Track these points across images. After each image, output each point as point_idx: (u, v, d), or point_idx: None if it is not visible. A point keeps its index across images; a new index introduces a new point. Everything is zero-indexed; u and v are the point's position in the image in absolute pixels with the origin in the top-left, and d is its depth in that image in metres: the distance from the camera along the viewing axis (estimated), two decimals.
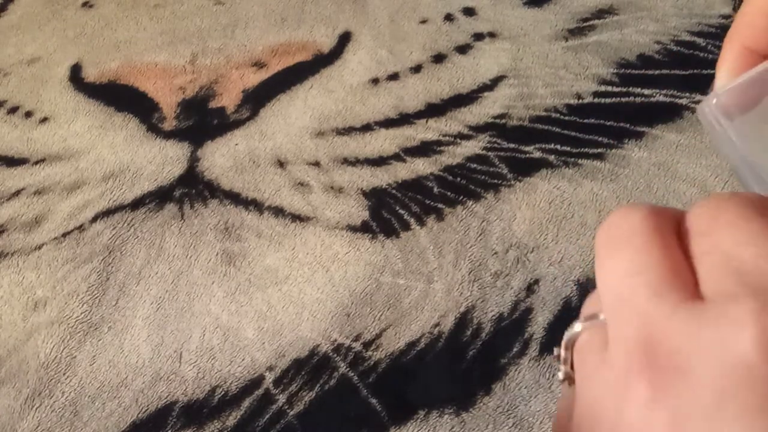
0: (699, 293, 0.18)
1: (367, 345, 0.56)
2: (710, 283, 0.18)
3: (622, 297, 0.18)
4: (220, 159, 0.67)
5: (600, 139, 0.65)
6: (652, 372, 0.17)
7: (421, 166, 0.65)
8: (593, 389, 0.19)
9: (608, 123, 0.66)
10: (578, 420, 0.20)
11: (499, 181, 0.64)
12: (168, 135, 0.69)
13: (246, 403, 0.54)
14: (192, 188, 0.66)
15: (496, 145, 0.66)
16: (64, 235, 0.64)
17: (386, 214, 0.62)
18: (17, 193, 0.68)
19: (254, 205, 0.64)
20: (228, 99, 0.72)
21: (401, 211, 0.62)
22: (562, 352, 0.21)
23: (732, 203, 0.19)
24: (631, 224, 0.19)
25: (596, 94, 0.68)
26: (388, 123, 0.68)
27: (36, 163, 0.70)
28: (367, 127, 0.68)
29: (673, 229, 0.19)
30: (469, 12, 0.78)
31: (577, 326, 0.21)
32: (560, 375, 0.21)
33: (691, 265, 0.18)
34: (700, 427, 0.16)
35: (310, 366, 0.55)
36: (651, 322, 0.18)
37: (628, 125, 0.65)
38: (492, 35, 0.75)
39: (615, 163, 0.63)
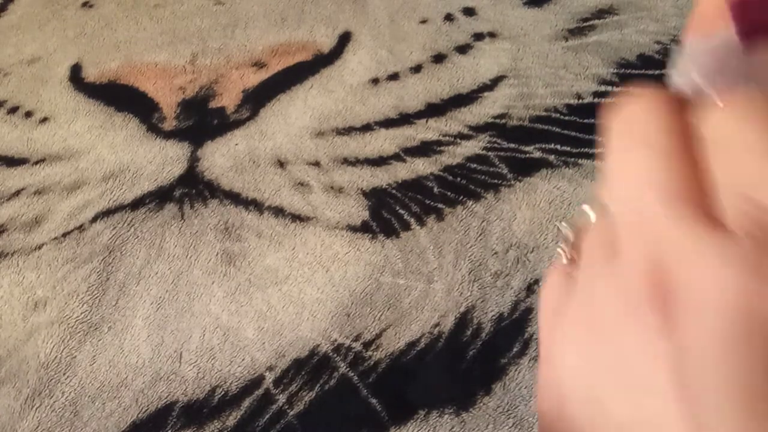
0: (718, 219, 0.16)
1: (367, 345, 0.56)
2: (736, 218, 0.16)
3: (636, 207, 0.17)
4: (220, 159, 0.67)
5: (600, 139, 0.65)
6: (664, 303, 0.16)
7: (421, 166, 0.65)
8: (596, 289, 0.18)
9: None
10: (576, 313, 0.18)
11: (499, 181, 0.64)
12: (168, 135, 0.69)
13: (246, 403, 0.54)
14: (192, 188, 0.66)
15: (496, 145, 0.66)
16: (64, 235, 0.64)
17: (386, 214, 0.62)
18: (17, 193, 0.68)
19: (254, 205, 0.64)
20: (228, 99, 0.72)
21: (401, 211, 0.62)
22: (571, 236, 0.20)
23: (756, 117, 0.16)
24: (655, 120, 0.17)
25: (596, 94, 0.68)
26: (388, 123, 0.68)
27: (36, 163, 0.70)
28: (367, 127, 0.68)
29: (691, 132, 0.17)
30: (469, 12, 0.78)
31: (590, 213, 0.19)
32: (564, 258, 0.20)
33: (708, 179, 0.17)
34: (702, 368, 0.15)
35: (310, 366, 0.55)
36: (667, 245, 0.16)
37: None
38: (492, 35, 0.75)
39: None
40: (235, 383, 0.55)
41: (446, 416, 0.52)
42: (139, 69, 0.76)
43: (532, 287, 0.57)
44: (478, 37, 0.75)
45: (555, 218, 0.61)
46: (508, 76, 0.71)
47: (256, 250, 0.61)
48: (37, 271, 0.62)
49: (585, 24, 0.75)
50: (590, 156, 0.64)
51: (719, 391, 0.15)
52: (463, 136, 0.67)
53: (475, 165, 0.65)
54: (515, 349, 0.55)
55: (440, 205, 0.62)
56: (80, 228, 0.64)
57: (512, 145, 0.66)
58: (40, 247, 0.64)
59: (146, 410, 0.55)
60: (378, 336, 0.56)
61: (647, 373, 0.16)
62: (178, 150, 0.68)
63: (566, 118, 0.67)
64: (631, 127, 0.18)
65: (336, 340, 0.56)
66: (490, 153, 0.66)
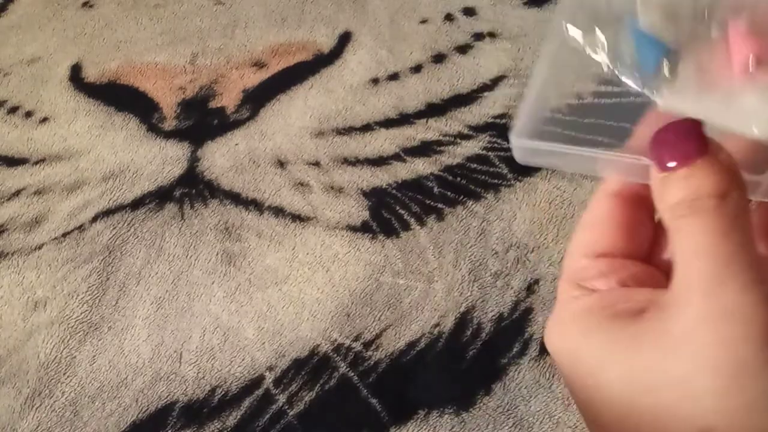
0: None
1: (367, 345, 0.56)
2: None
3: None
4: (220, 159, 0.67)
5: (601, 139, 0.65)
6: None
7: (421, 166, 0.65)
8: None
9: (608, 123, 0.66)
10: None
11: (499, 181, 0.64)
12: (168, 135, 0.69)
13: (246, 403, 0.54)
14: (192, 188, 0.66)
15: (496, 145, 0.66)
16: (64, 235, 0.64)
17: (386, 214, 0.62)
18: (17, 193, 0.68)
19: (254, 205, 0.64)
20: (228, 99, 0.72)
21: (401, 211, 0.62)
22: None
23: None
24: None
25: (596, 94, 0.68)
26: (388, 123, 0.68)
27: (36, 163, 0.70)
28: (367, 127, 0.68)
29: None
30: (469, 12, 0.78)
31: None
32: None
33: None
34: None
35: (310, 366, 0.55)
36: None
37: (628, 125, 0.65)
38: (492, 35, 0.75)
39: None
40: (235, 383, 0.55)
41: (446, 416, 0.52)
42: (139, 69, 0.76)
43: (532, 287, 0.57)
44: (478, 37, 0.75)
45: (555, 218, 0.61)
46: (508, 76, 0.71)
47: (256, 250, 0.61)
48: (37, 271, 0.62)
49: None
50: None
51: None
52: (463, 136, 0.67)
53: (475, 165, 0.65)
54: (515, 349, 0.55)
55: (440, 205, 0.62)
56: (80, 228, 0.64)
57: None
58: (40, 247, 0.64)
59: (146, 410, 0.55)
60: (378, 336, 0.56)
61: None
62: (178, 150, 0.68)
63: (566, 118, 0.67)
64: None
65: (336, 340, 0.56)
66: (490, 153, 0.66)
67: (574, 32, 0.24)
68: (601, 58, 0.25)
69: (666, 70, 0.25)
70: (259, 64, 0.75)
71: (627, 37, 0.25)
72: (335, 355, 0.55)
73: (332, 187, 0.64)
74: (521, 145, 0.26)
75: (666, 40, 0.24)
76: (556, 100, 0.25)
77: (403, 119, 0.68)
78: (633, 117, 0.26)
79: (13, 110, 0.75)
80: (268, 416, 0.54)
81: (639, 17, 0.24)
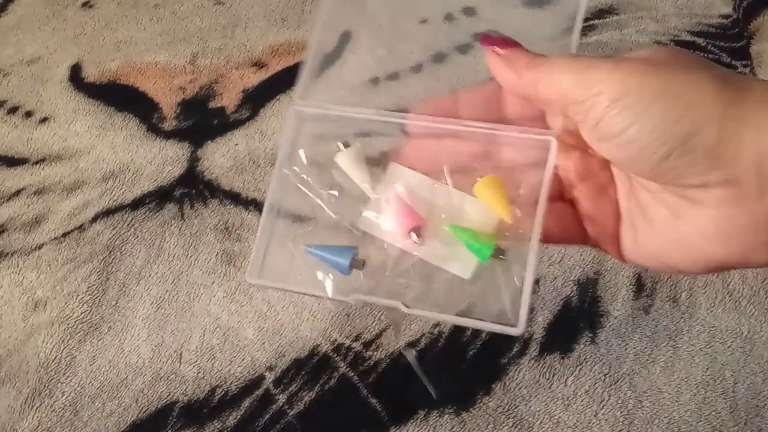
0: None
1: (367, 345, 0.56)
2: None
3: None
4: (220, 159, 0.67)
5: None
6: None
7: None
8: None
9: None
10: None
11: None
12: (168, 135, 0.69)
13: (246, 403, 0.54)
14: (192, 188, 0.66)
15: None
16: (64, 235, 0.64)
17: None
18: (17, 193, 0.68)
19: (254, 205, 0.64)
20: (228, 99, 0.72)
21: None
22: None
23: None
24: None
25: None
26: None
27: (36, 163, 0.70)
28: None
29: None
30: (469, 12, 0.78)
31: None
32: None
33: None
34: None
35: (310, 366, 0.55)
36: None
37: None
38: None
39: None
40: (235, 383, 0.55)
41: (446, 416, 0.52)
42: (139, 69, 0.76)
43: (532, 287, 0.57)
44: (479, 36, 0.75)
45: None
46: None
47: None
48: (37, 271, 0.62)
49: (585, 24, 0.75)
50: None
51: None
52: None
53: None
54: (515, 349, 0.55)
55: None
56: (80, 228, 0.64)
57: None
58: (40, 247, 0.64)
59: (146, 410, 0.55)
60: (378, 336, 0.56)
61: None
62: (178, 150, 0.68)
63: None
64: None
65: (336, 340, 0.56)
66: None
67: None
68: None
69: (357, 262, 0.34)
70: (259, 64, 0.75)
71: (317, 254, 0.35)
72: (335, 355, 0.55)
73: (332, 187, 0.64)
74: (254, 283, 0.33)
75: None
76: (277, 243, 0.34)
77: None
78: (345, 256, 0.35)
79: (13, 110, 0.75)
80: (268, 416, 0.54)
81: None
